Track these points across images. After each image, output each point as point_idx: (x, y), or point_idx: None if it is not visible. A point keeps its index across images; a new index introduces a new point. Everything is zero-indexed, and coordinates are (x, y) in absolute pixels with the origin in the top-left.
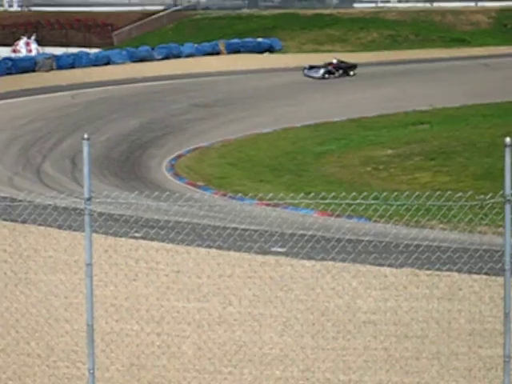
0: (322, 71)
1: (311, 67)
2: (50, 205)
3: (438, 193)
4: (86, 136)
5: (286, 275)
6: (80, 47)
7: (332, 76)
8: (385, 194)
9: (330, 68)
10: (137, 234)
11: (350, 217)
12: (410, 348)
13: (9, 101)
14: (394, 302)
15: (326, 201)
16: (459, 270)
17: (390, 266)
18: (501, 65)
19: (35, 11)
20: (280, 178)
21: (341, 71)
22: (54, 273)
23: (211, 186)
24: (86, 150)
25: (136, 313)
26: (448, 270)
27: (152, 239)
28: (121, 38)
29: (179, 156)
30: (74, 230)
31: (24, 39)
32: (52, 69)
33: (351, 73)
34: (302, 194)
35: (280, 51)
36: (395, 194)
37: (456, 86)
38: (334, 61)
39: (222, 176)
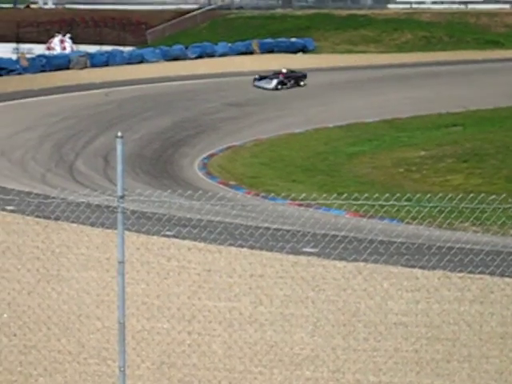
0: (274, 82)
1: (261, 78)
2: (83, 202)
3: (471, 195)
4: (119, 134)
5: (317, 276)
6: (114, 45)
7: (284, 87)
8: (418, 195)
9: (282, 78)
10: (169, 233)
11: (382, 218)
12: (441, 350)
13: (42, 98)
14: (426, 304)
15: (359, 202)
16: (492, 273)
17: (422, 267)
18: None
19: (70, 9)
20: (312, 178)
21: (292, 81)
22: (85, 270)
23: (243, 186)
24: (119, 147)
25: (167, 311)
26: (480, 272)
27: (184, 238)
28: (155, 36)
29: (212, 155)
30: (107, 228)
31: (58, 37)
32: (86, 66)
33: (301, 83)
34: (335, 195)
35: (313, 51)
36: (428, 195)
37: (490, 87)
38: (284, 70)
39: (254, 175)
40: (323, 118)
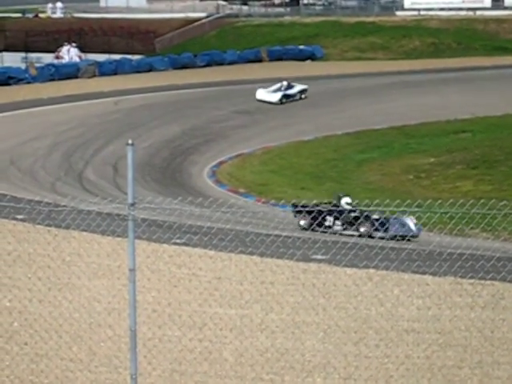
0: (279, 95)
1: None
2: (93, 210)
3: (481, 201)
4: (130, 142)
5: (328, 282)
6: (122, 54)
7: (288, 100)
8: (428, 202)
9: (287, 92)
10: (179, 240)
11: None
12: (453, 357)
13: (51, 107)
14: (437, 311)
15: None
16: (503, 279)
17: (432, 274)
18: None
19: (78, 18)
20: (321, 185)
21: (296, 94)
22: (96, 278)
23: (253, 193)
24: (129, 155)
25: (178, 319)
26: (491, 278)
27: (195, 245)
28: (163, 44)
29: (221, 163)
30: (117, 236)
31: (67, 46)
32: (94, 75)
33: (303, 96)
34: None
35: (322, 59)
36: (439, 202)
37: (498, 94)
38: (285, 83)
39: (263, 183)
40: (332, 126)
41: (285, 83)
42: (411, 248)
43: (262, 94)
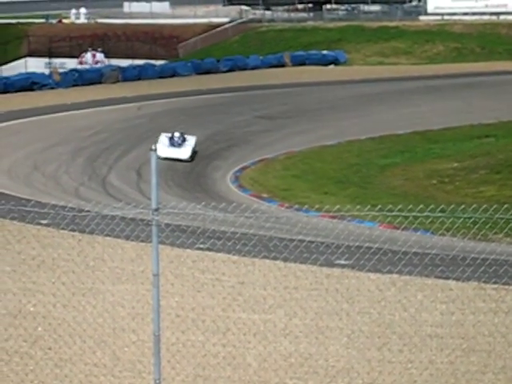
0: (189, 151)
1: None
2: (117, 215)
3: (505, 206)
4: (153, 147)
5: (351, 287)
6: (146, 59)
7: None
8: (452, 206)
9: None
10: (203, 245)
11: (416, 230)
12: (476, 362)
13: (75, 112)
14: (460, 316)
15: (393, 213)
16: None
17: (456, 279)
18: None
19: (102, 23)
20: (344, 190)
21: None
22: (120, 283)
23: (275, 198)
24: (153, 161)
25: (201, 324)
26: None
27: (218, 250)
28: (186, 50)
29: (244, 168)
30: (141, 241)
31: (90, 51)
32: (118, 80)
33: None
34: (369, 207)
35: (345, 63)
36: (462, 206)
37: None
38: (177, 134)
39: (286, 188)
40: (355, 131)
41: (177, 134)
42: (435, 253)
43: (166, 151)
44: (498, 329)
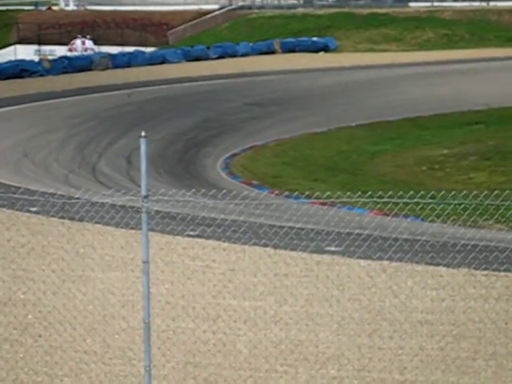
0: None
1: None
2: (107, 203)
3: (495, 192)
4: (143, 134)
5: (341, 274)
6: (135, 46)
7: None
8: (442, 193)
9: None
10: (193, 233)
11: (406, 216)
12: (467, 348)
13: (65, 99)
14: (451, 302)
15: (383, 199)
16: None
17: (446, 265)
18: None
19: (91, 10)
20: (335, 177)
21: None
22: (110, 270)
23: (266, 185)
24: (143, 147)
25: (192, 311)
26: (505, 270)
27: (208, 237)
28: (176, 37)
29: (234, 155)
30: (131, 228)
31: (80, 38)
32: (108, 68)
33: None
34: (359, 193)
35: (335, 50)
36: (453, 193)
37: None
38: None
39: (276, 175)
40: (345, 117)
41: None
42: (425, 239)
43: None
44: (488, 315)
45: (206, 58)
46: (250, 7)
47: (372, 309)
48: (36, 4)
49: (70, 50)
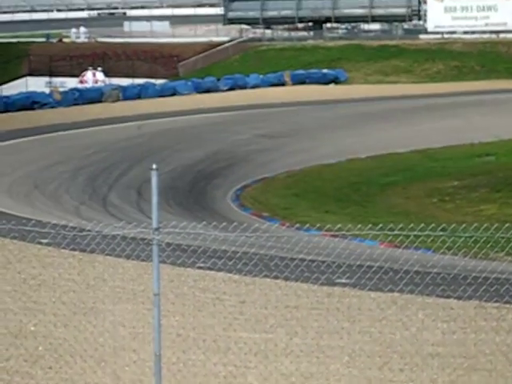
0: None
1: None
2: (118, 235)
3: (506, 225)
4: (154, 166)
5: (352, 306)
6: (146, 78)
7: None
8: (453, 225)
9: None
10: (204, 265)
11: (417, 248)
12: (478, 381)
13: (75, 131)
14: (462, 335)
15: (394, 232)
16: None
17: (457, 298)
18: None
19: (102, 42)
20: (345, 208)
21: None
22: (121, 302)
23: (277, 217)
24: (154, 180)
25: (202, 343)
26: None
27: (219, 270)
28: (186, 68)
29: (244, 186)
30: (142, 260)
31: (91, 70)
32: (118, 99)
33: None
34: (370, 226)
35: (345, 82)
36: (463, 225)
37: None
38: None
39: (286, 207)
40: (356, 149)
41: None
42: (436, 272)
43: None
44: (499, 347)
45: (217, 90)
46: (260, 39)
47: (383, 341)
48: (47, 36)
49: (81, 82)
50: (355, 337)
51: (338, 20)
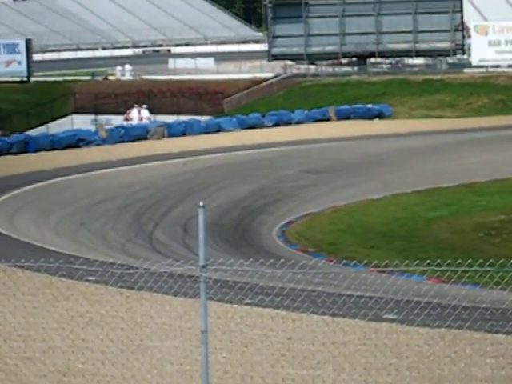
0: None
1: None
2: (165, 272)
3: None
4: (201, 204)
5: (400, 342)
6: (191, 115)
7: None
8: (501, 260)
9: None
10: (251, 301)
11: (465, 284)
12: None
13: (121, 168)
14: (510, 370)
15: (442, 268)
16: None
17: (506, 333)
18: None
19: (147, 80)
20: (391, 243)
21: None
22: (168, 340)
23: (322, 253)
24: (201, 217)
25: (250, 380)
26: None
27: (266, 306)
28: (231, 105)
29: (290, 222)
30: (189, 297)
31: (136, 107)
32: (164, 136)
33: None
34: (417, 261)
35: (390, 117)
36: (511, 261)
37: None
38: None
39: (332, 242)
40: (401, 184)
41: None
42: (484, 307)
43: None
44: None
45: (262, 126)
46: (304, 75)
47: (431, 377)
48: (93, 74)
49: (126, 120)
50: (403, 373)
51: (382, 55)
